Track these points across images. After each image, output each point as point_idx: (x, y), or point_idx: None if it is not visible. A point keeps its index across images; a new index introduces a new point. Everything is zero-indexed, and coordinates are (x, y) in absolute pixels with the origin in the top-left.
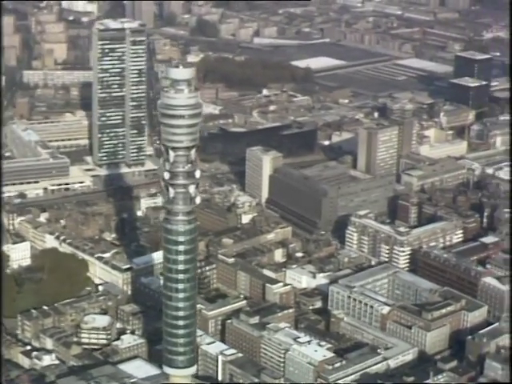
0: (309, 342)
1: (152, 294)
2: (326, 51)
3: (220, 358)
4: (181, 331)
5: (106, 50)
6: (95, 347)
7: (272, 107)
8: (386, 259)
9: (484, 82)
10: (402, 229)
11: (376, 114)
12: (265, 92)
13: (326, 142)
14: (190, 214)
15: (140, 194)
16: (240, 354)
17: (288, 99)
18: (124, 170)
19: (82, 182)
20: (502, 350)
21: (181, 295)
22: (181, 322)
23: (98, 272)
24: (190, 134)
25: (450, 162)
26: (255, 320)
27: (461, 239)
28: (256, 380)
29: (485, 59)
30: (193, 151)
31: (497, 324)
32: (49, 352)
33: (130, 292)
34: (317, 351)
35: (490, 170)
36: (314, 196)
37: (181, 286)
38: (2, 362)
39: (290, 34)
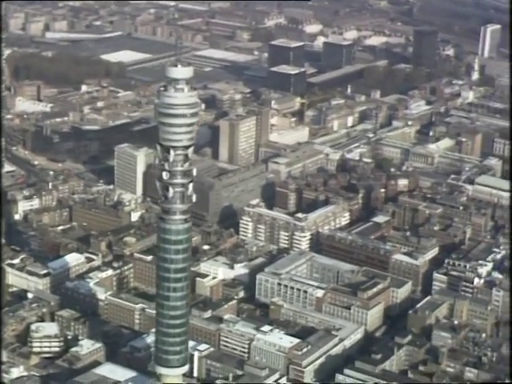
0: (271, 330)
1: (82, 298)
2: (126, 45)
3: (196, 353)
4: (177, 330)
5: None
6: (49, 355)
7: (100, 103)
8: (286, 245)
9: (302, 69)
10: (299, 215)
11: (203, 106)
12: (84, 88)
13: None
14: (186, 213)
15: (16, 196)
16: (212, 349)
17: (110, 95)
18: None
19: None
20: (445, 320)
21: (178, 294)
22: (178, 321)
23: (12, 279)
24: (189, 132)
25: (309, 147)
26: (208, 314)
27: (348, 221)
28: (240, 372)
29: (298, 47)
30: (190, 150)
31: (429, 297)
32: (14, 364)
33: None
34: (282, 338)
35: (340, 153)
36: (200, 189)
37: (179, 285)
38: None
39: (81, 28)
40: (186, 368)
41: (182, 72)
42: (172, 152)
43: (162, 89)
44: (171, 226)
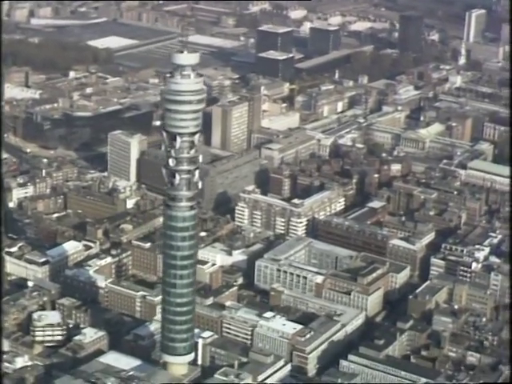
0: (274, 316)
1: (82, 286)
2: (112, 30)
3: (200, 341)
4: (184, 318)
5: None
6: (52, 344)
7: (89, 90)
8: (282, 231)
9: (290, 55)
10: (296, 201)
11: None
12: (72, 74)
13: (158, 123)
14: (193, 200)
15: (10, 184)
16: (216, 336)
17: (99, 81)
18: None
19: None
20: (444, 304)
21: (185, 281)
22: (184, 309)
23: (10, 267)
24: (195, 119)
25: (301, 133)
26: (210, 301)
27: (343, 206)
28: (244, 359)
29: (286, 32)
30: (196, 136)
31: (428, 282)
32: (18, 354)
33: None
34: (285, 325)
35: (332, 139)
36: None
37: (185, 272)
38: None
39: (66, 14)
40: (192, 356)
41: (188, 58)
42: (178, 139)
43: (169, 75)
44: (177, 213)
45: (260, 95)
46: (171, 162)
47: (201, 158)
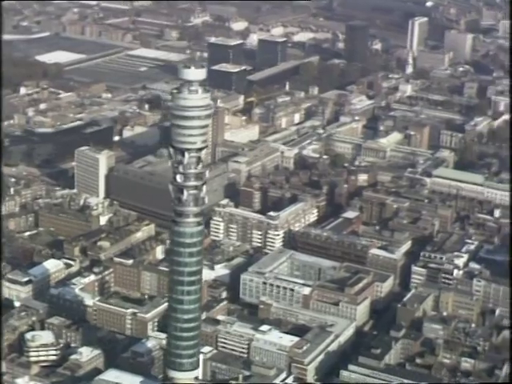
0: (270, 329)
1: (68, 305)
2: (57, 45)
3: (201, 356)
4: (191, 333)
5: None
6: (46, 364)
7: (42, 105)
8: (260, 244)
9: (243, 67)
10: (272, 213)
11: (147, 106)
12: (23, 90)
13: (117, 138)
14: (199, 216)
15: None
16: (215, 350)
17: (51, 96)
18: None
19: None
20: (433, 312)
21: (192, 297)
22: (191, 325)
23: None
24: (202, 134)
25: (266, 146)
26: (203, 316)
27: (316, 218)
28: (247, 373)
29: (237, 45)
30: (203, 152)
31: (414, 290)
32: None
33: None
34: (282, 337)
35: (295, 150)
36: (165, 191)
37: (192, 288)
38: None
39: (8, 28)
40: (198, 371)
41: (195, 74)
42: (186, 154)
43: (176, 91)
44: (185, 229)
45: (223, 108)
46: (179, 177)
47: (207, 173)
